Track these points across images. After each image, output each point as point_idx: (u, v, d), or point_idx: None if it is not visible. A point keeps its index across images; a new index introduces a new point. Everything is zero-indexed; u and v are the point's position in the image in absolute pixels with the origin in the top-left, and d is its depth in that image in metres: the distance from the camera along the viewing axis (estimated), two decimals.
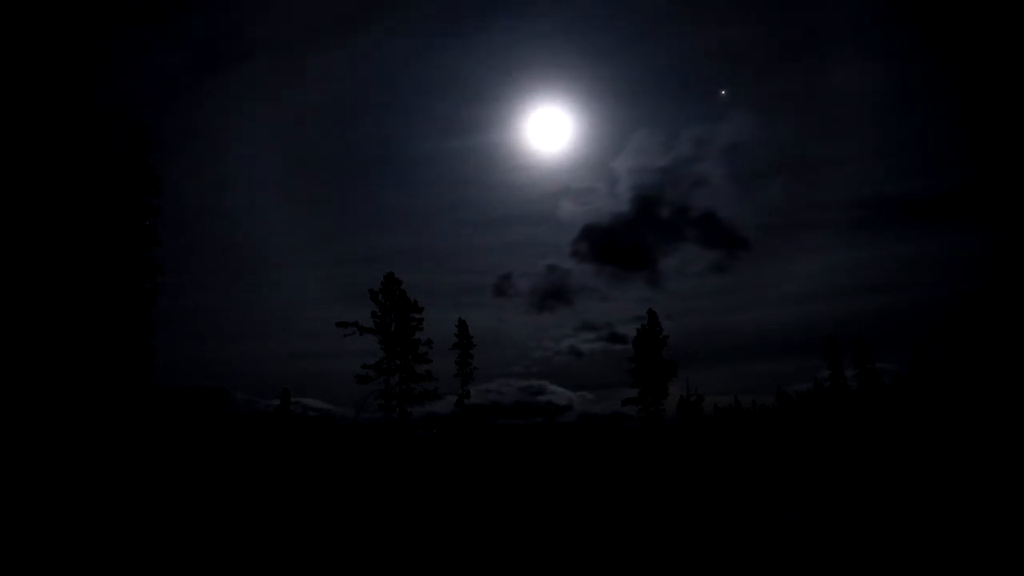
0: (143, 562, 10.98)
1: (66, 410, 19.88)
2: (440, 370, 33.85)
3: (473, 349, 42.79)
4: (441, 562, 11.38)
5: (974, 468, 21.65)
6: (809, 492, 20.02)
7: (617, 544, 12.74)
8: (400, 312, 32.35)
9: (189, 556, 11.43)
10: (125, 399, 21.97)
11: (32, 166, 21.56)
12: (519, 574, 10.74)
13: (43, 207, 21.41)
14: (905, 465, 24.82)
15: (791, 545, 11.98)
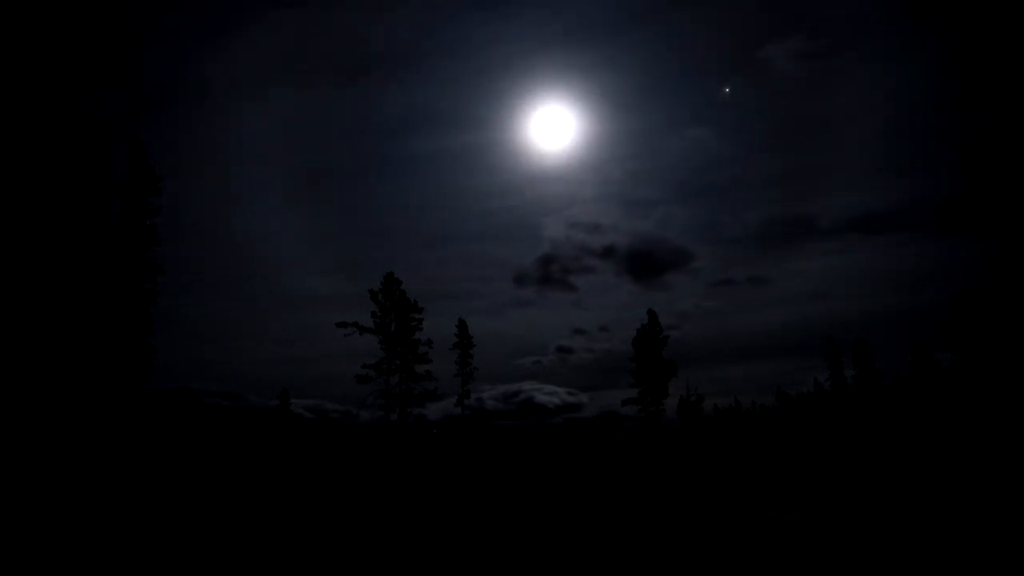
0: (156, 558, 10.98)
1: (67, 410, 19.87)
2: (439, 371, 33.70)
3: (473, 349, 42.78)
4: (448, 561, 11.38)
5: (974, 467, 21.64)
6: (809, 492, 20.01)
7: (618, 543, 12.74)
8: (400, 312, 32.30)
9: (196, 552, 11.43)
10: (125, 399, 21.95)
11: (32, 168, 21.56)
12: (523, 573, 10.75)
13: (43, 208, 21.40)
14: (905, 465, 24.81)
15: (791, 545, 11.98)
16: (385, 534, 13.86)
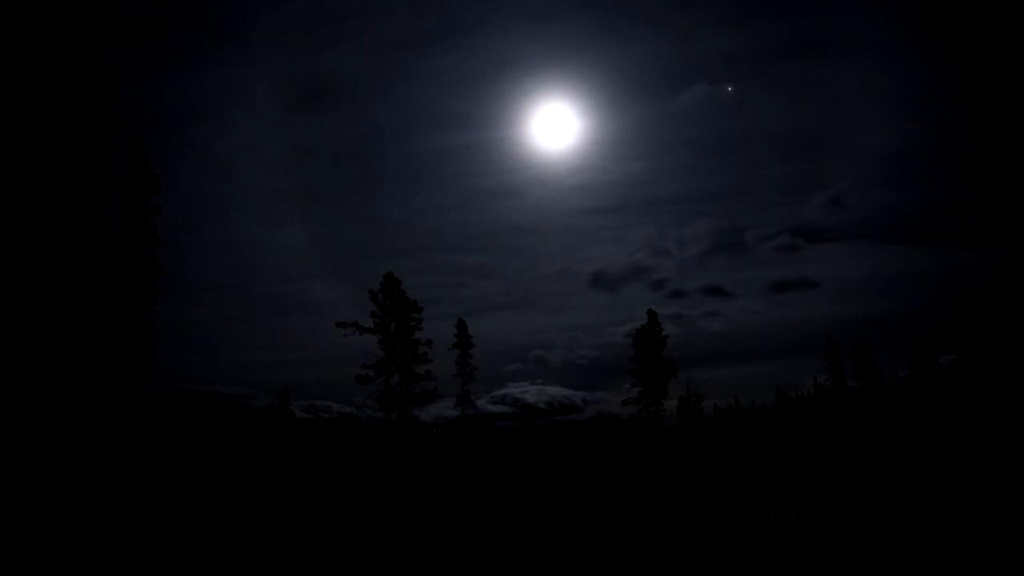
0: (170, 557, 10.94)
1: (66, 410, 19.82)
2: (438, 371, 33.55)
3: (472, 349, 42.73)
4: (448, 561, 11.35)
5: (974, 468, 21.60)
6: (810, 493, 19.97)
7: (619, 543, 12.71)
8: (399, 312, 32.23)
9: (195, 552, 11.40)
10: (125, 399, 21.91)
11: (32, 167, 21.52)
12: (523, 573, 10.72)
13: (43, 207, 21.36)
14: (906, 465, 24.78)
15: (793, 546, 11.95)
16: (385, 535, 13.82)
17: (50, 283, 20.98)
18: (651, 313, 43.52)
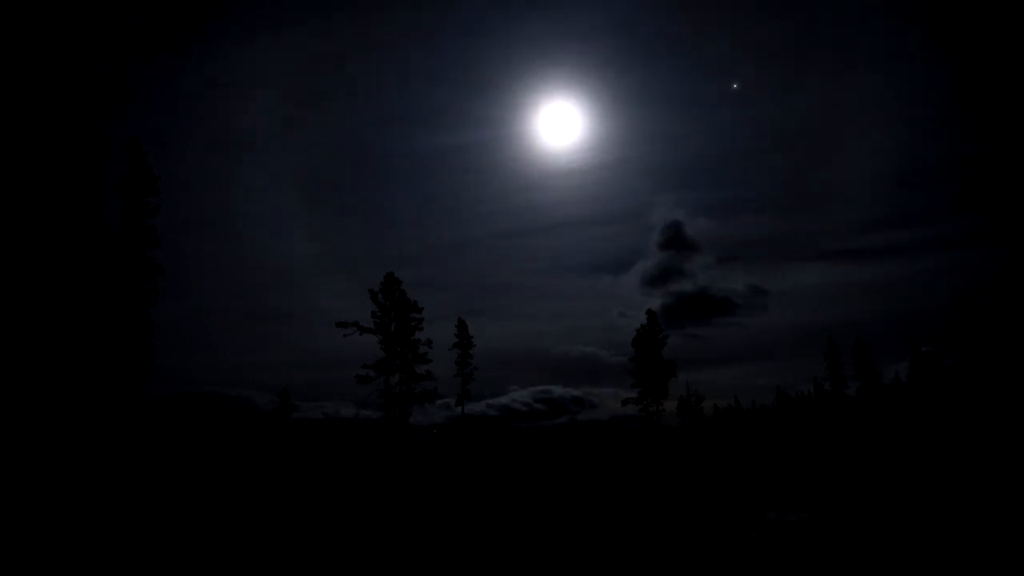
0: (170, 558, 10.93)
1: (66, 410, 19.82)
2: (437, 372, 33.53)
3: (473, 349, 42.74)
4: (447, 561, 11.35)
5: (975, 467, 21.61)
6: (810, 493, 19.97)
7: (618, 543, 12.71)
8: (400, 312, 32.25)
9: (194, 552, 11.40)
10: (125, 399, 21.91)
11: (32, 167, 21.51)
12: (522, 573, 10.72)
13: (43, 207, 21.36)
14: (906, 464, 24.79)
15: (794, 546, 11.95)
16: (385, 535, 13.82)
17: (50, 283, 20.98)
18: (651, 313, 43.53)
